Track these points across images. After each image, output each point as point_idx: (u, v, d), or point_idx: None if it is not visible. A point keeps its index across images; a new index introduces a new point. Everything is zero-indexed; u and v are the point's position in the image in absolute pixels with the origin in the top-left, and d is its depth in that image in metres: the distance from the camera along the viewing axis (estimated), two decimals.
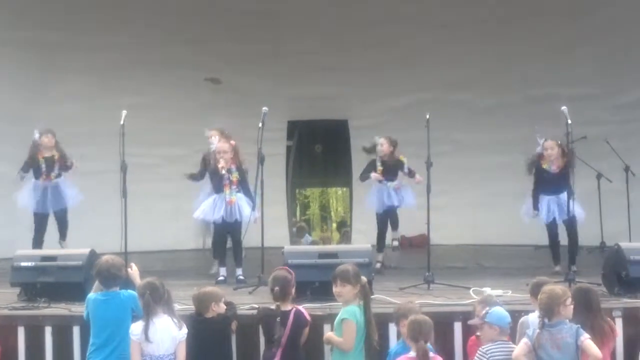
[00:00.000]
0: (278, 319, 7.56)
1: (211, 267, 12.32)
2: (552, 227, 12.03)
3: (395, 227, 12.89)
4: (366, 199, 13.02)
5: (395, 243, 12.90)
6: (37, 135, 12.39)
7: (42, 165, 12.38)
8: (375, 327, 7.35)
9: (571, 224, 11.60)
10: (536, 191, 12.06)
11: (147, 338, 7.00)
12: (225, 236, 11.47)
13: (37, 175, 12.43)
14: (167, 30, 16.22)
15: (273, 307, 7.67)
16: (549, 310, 6.51)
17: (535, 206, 12.03)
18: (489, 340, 6.82)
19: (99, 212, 13.81)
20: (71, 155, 12.60)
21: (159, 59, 16.29)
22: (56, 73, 15.67)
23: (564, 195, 11.55)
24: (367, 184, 12.95)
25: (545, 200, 11.95)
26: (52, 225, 12.63)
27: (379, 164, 12.68)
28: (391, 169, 12.66)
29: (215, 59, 16.69)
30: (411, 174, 12.57)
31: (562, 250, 12.00)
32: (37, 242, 12.32)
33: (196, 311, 7.85)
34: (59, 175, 12.46)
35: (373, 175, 12.61)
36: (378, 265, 12.32)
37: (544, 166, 11.93)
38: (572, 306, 6.61)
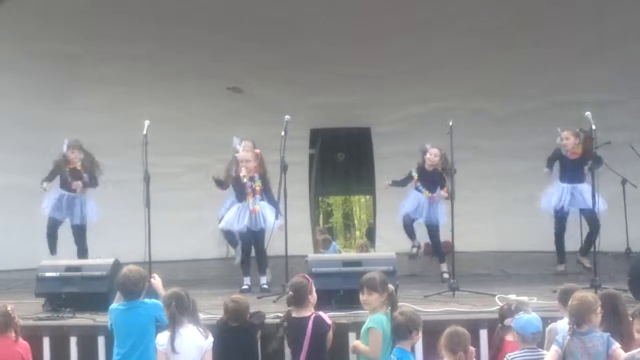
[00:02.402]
0: (285, 323, 7.62)
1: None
2: (560, 218, 12.05)
3: (442, 258, 12.55)
4: (401, 203, 12.85)
5: (446, 276, 12.50)
6: (65, 148, 12.31)
7: (67, 175, 12.28)
8: None
9: (591, 214, 11.63)
10: (551, 159, 12.26)
11: (173, 349, 7.00)
12: (250, 245, 11.45)
13: (63, 184, 12.34)
14: (189, 39, 16.24)
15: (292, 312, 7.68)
16: (580, 317, 6.44)
17: (548, 165, 12.20)
18: (516, 347, 6.79)
19: (122, 222, 13.81)
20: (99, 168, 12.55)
21: (181, 69, 16.32)
22: (79, 83, 15.70)
23: (581, 186, 11.65)
24: (402, 192, 12.83)
25: (559, 188, 12.01)
26: (68, 236, 12.63)
27: (414, 172, 12.54)
28: (431, 180, 12.41)
29: (237, 68, 16.70)
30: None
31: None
32: (51, 247, 12.28)
33: (231, 319, 7.84)
34: (88, 185, 12.34)
35: (441, 193, 12.26)
36: (415, 250, 12.60)
37: (562, 152, 12.02)
38: (601, 314, 6.55)
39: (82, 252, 12.29)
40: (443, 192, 12.10)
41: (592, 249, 11.48)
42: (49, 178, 12.31)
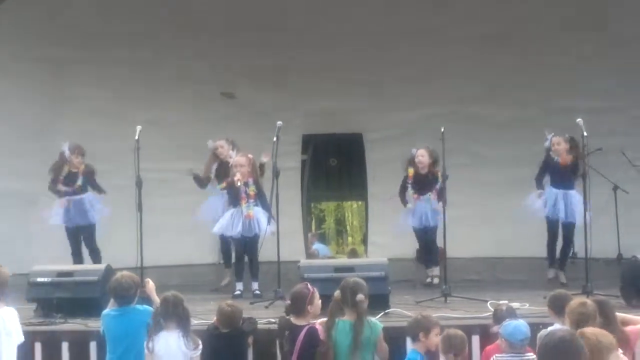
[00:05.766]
0: (287, 332, 7.51)
1: (223, 278, 12.45)
2: (553, 225, 12.02)
3: (435, 262, 12.45)
4: (403, 215, 12.78)
5: (436, 280, 12.21)
6: (66, 152, 12.27)
7: (62, 177, 12.27)
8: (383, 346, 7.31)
9: (569, 228, 11.67)
10: (540, 175, 12.11)
11: (150, 349, 6.99)
12: (244, 251, 11.46)
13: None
14: (183, 45, 16.24)
15: (291, 319, 7.63)
16: (584, 323, 6.41)
17: (539, 186, 12.07)
18: (502, 351, 6.80)
19: (115, 227, 13.77)
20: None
21: (175, 74, 16.32)
22: (74, 89, 15.71)
23: (572, 193, 11.64)
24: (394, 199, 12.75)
25: (553, 193, 11.95)
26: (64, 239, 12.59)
27: (411, 180, 12.41)
28: (423, 183, 12.34)
29: (230, 73, 16.70)
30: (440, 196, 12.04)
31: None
32: (76, 256, 12.29)
33: (224, 324, 7.83)
34: (85, 187, 12.37)
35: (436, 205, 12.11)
36: (429, 280, 12.38)
37: (552, 156, 11.98)
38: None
39: (94, 252, 12.30)
40: (432, 197, 12.11)
41: (567, 261, 11.69)
42: (55, 181, 12.28)
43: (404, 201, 12.44)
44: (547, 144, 12.05)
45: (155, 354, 7.00)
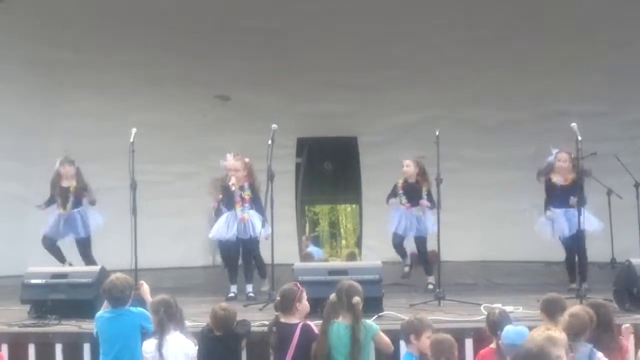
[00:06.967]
0: (274, 328, 7.53)
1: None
2: (564, 244, 11.87)
3: (429, 270, 12.33)
4: (388, 221, 12.74)
5: (430, 287, 12.17)
6: (57, 165, 12.24)
7: (57, 194, 12.22)
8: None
9: (578, 240, 11.53)
10: (547, 201, 11.94)
11: (161, 355, 6.99)
12: (238, 253, 11.46)
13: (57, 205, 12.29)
14: (178, 48, 16.27)
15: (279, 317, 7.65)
16: (582, 335, 6.42)
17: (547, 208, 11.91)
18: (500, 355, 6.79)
19: (109, 229, 13.75)
20: (94, 190, 12.43)
21: (170, 77, 16.36)
22: (69, 91, 15.74)
23: (573, 210, 11.49)
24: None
25: (555, 215, 11.81)
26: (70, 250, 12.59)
27: (401, 190, 12.32)
28: (412, 192, 12.25)
29: (225, 76, 16.73)
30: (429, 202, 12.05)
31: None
32: (59, 259, 12.25)
33: (218, 327, 7.83)
34: (76, 206, 12.29)
35: (421, 202, 12.08)
36: (407, 269, 12.43)
37: (554, 179, 11.81)
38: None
39: (90, 264, 12.26)
40: (424, 202, 12.06)
41: (587, 271, 11.54)
42: (47, 203, 12.28)
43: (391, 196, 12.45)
44: (550, 158, 11.83)
45: (162, 358, 7.00)
